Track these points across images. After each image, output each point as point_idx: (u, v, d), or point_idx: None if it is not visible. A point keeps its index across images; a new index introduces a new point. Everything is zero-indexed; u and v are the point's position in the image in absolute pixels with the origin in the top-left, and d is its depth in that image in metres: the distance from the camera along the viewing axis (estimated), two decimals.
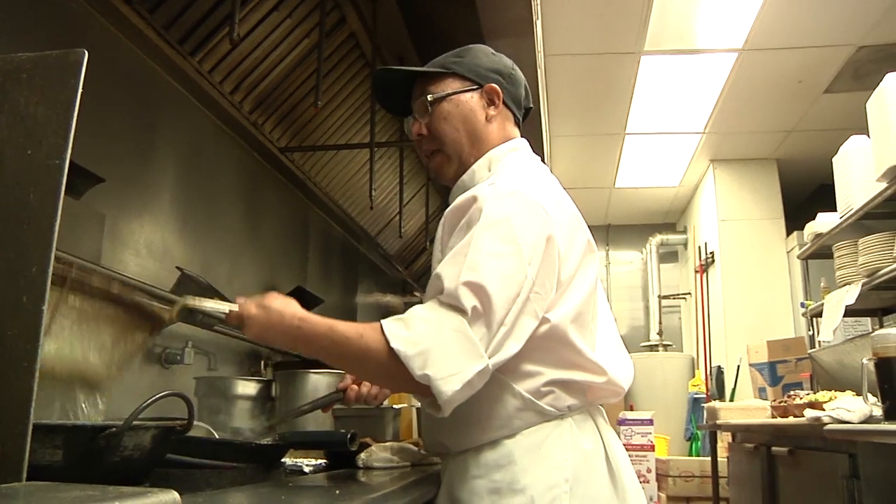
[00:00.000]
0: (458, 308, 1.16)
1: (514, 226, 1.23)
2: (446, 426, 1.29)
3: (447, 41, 3.29)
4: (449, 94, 1.45)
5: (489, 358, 1.15)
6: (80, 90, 0.67)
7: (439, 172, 1.50)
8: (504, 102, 1.47)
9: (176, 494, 0.53)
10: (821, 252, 4.15)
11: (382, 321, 1.18)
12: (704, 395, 6.07)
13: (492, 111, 1.45)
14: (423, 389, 1.14)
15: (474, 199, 1.27)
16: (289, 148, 3.09)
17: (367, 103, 3.29)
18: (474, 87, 1.45)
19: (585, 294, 1.33)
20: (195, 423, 1.06)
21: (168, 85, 2.38)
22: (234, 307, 1.30)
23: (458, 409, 1.19)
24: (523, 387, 1.26)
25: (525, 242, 1.22)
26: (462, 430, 1.29)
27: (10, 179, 0.66)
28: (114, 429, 0.86)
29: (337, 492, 1.08)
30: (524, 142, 1.51)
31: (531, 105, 1.57)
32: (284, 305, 1.27)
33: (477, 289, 1.16)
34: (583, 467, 1.27)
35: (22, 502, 0.50)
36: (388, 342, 1.14)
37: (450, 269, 1.20)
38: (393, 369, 1.14)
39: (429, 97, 1.44)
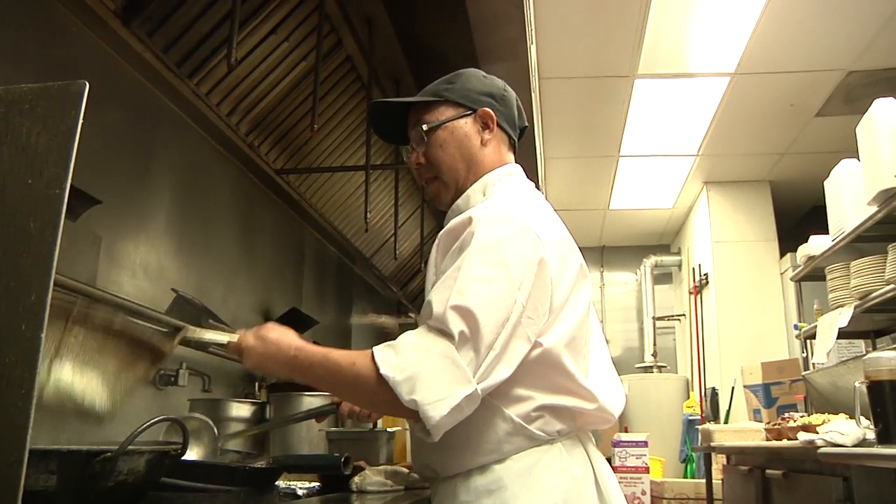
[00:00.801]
0: (445, 333, 1.17)
1: (504, 250, 1.23)
2: (435, 449, 1.28)
3: (442, 64, 3.33)
4: (443, 122, 1.46)
5: (478, 383, 1.15)
6: (80, 121, 0.68)
7: (437, 198, 1.51)
8: (498, 125, 1.48)
9: None
10: (814, 274, 4.17)
11: (374, 348, 1.19)
12: (699, 417, 6.07)
13: (486, 135, 1.46)
14: (413, 414, 1.15)
15: (469, 222, 1.28)
16: (285, 170, 3.10)
17: (363, 126, 3.32)
18: (468, 112, 1.47)
19: (578, 319, 1.32)
20: (189, 445, 1.06)
21: (165, 107, 2.40)
22: (234, 338, 1.34)
23: (448, 432, 1.19)
24: (514, 411, 1.26)
25: (515, 267, 1.22)
26: (451, 453, 1.28)
27: (11, 208, 0.67)
28: (108, 454, 0.86)
29: None
30: (518, 168, 1.51)
31: (526, 124, 1.58)
32: (281, 336, 1.31)
33: (465, 313, 1.17)
34: (573, 493, 1.26)
35: None
36: (377, 369, 1.16)
37: (439, 294, 1.21)
38: (383, 395, 1.15)
39: (423, 126, 1.46)
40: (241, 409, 2.15)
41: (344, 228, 3.90)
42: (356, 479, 1.59)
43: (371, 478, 1.59)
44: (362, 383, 1.19)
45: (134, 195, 2.23)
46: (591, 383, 1.32)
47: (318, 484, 1.73)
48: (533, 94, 3.20)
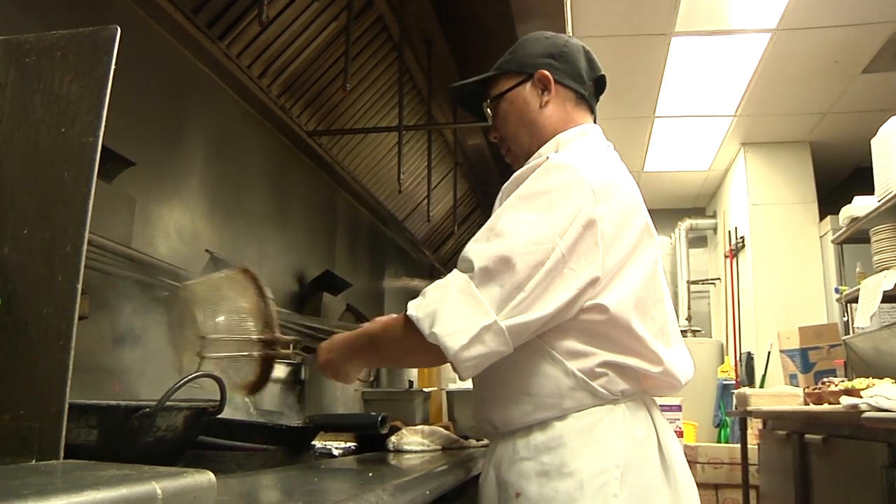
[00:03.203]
0: (467, 269, 1.20)
1: (552, 198, 1.22)
2: (496, 403, 1.29)
3: (476, 24, 3.28)
4: (502, 94, 1.48)
5: (504, 319, 1.16)
6: (112, 66, 0.66)
7: (515, 167, 1.49)
8: (558, 83, 1.46)
9: (211, 475, 0.52)
10: (857, 236, 4.06)
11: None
12: (734, 382, 6.01)
13: (545, 97, 1.46)
14: (440, 353, 1.17)
15: (530, 170, 1.28)
16: (317, 132, 3.08)
17: (395, 86, 3.28)
18: (525, 78, 1.47)
19: (642, 279, 1.30)
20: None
21: (197, 69, 2.38)
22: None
23: (507, 385, 1.23)
24: (576, 365, 1.24)
25: (560, 215, 1.21)
26: (512, 407, 1.28)
27: (45, 158, 0.66)
28: (147, 409, 0.86)
29: (370, 474, 1.07)
30: (595, 128, 1.49)
31: (600, 73, 1.54)
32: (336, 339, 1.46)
33: (496, 251, 1.18)
34: (635, 454, 1.24)
35: (60, 479, 0.49)
36: (405, 312, 1.22)
37: (476, 237, 1.24)
38: (412, 337, 1.20)
39: (488, 101, 1.50)
40: (276, 371, 2.16)
41: (376, 191, 3.89)
42: (393, 438, 1.59)
43: (408, 437, 1.59)
44: (397, 333, 1.27)
45: (167, 157, 2.22)
46: (658, 346, 1.29)
47: (354, 444, 1.74)
48: None
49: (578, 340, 1.25)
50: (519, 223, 1.21)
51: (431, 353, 1.19)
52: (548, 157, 1.28)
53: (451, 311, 1.17)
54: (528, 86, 1.47)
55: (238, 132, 2.67)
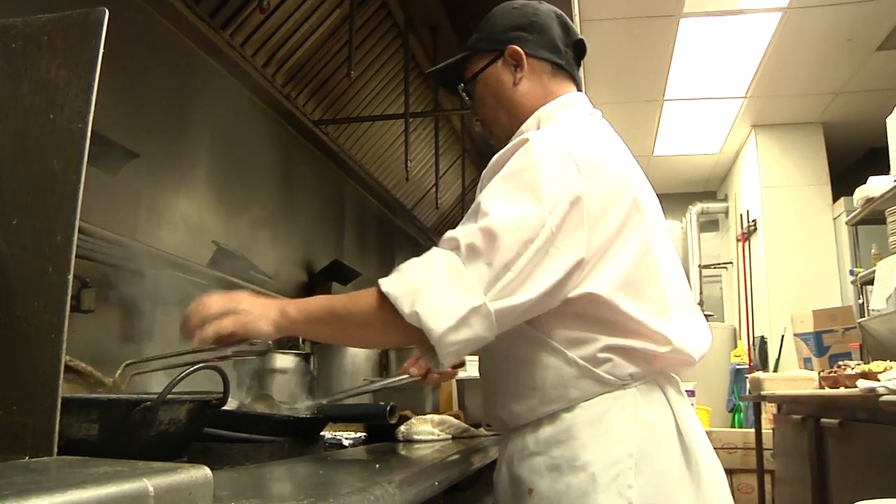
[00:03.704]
0: (453, 248, 1.12)
1: (538, 172, 1.16)
2: (502, 398, 1.24)
3: (481, 9, 3.24)
4: (475, 75, 1.41)
5: (492, 301, 1.08)
6: (101, 50, 0.64)
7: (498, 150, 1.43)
8: (531, 56, 1.38)
9: (207, 470, 0.51)
10: (872, 217, 4.01)
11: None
12: (747, 366, 5.98)
13: (519, 73, 1.38)
14: (418, 335, 1.08)
15: (515, 147, 1.21)
16: (323, 120, 3.06)
17: (401, 73, 3.25)
18: (496, 56, 1.39)
19: (633, 259, 1.21)
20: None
21: (200, 59, 2.36)
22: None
23: (510, 379, 1.17)
24: (577, 353, 1.18)
25: (548, 189, 1.14)
26: (518, 401, 1.23)
27: (33, 146, 0.64)
28: (148, 403, 0.84)
29: (377, 465, 1.05)
30: (578, 96, 1.40)
31: (578, 37, 1.45)
32: (266, 301, 1.22)
33: (482, 229, 1.11)
34: (649, 441, 1.17)
35: (49, 476, 0.47)
36: (378, 287, 1.11)
37: (462, 221, 1.17)
38: (385, 316, 1.10)
39: (461, 87, 1.43)
40: (285, 361, 2.15)
41: (384, 179, 3.86)
42: (402, 428, 1.57)
43: (417, 427, 1.57)
44: (364, 310, 1.13)
45: (172, 149, 2.21)
46: (663, 325, 1.22)
47: (363, 434, 1.72)
48: None
49: (575, 327, 1.19)
50: (504, 201, 1.14)
51: (407, 335, 1.10)
52: (526, 136, 1.22)
53: (436, 289, 1.08)
54: (499, 63, 1.39)
55: (243, 122, 2.65)
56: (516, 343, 1.19)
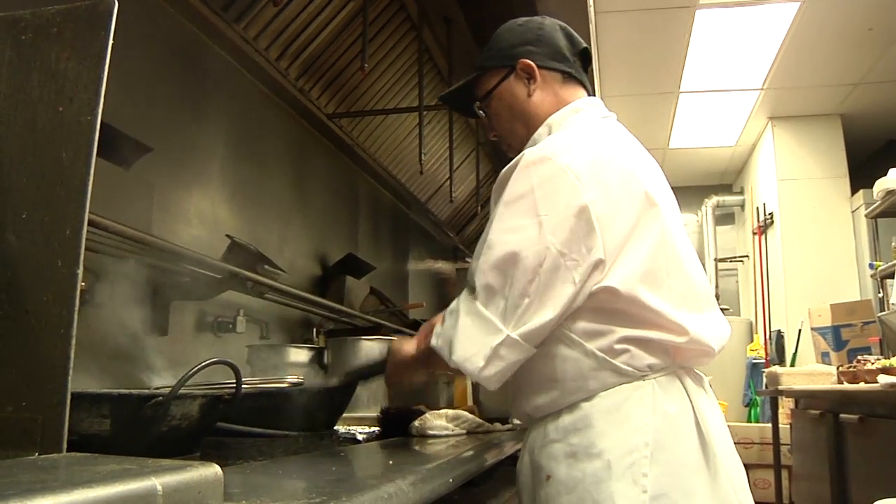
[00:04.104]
0: (473, 290, 1.24)
1: (535, 197, 1.22)
2: (526, 392, 1.30)
3: (496, 1, 3.21)
4: (489, 92, 1.46)
5: (513, 330, 1.18)
6: (110, 42, 0.63)
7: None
8: (542, 67, 1.43)
9: (217, 468, 0.50)
10: (892, 210, 3.97)
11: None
12: (763, 360, 5.93)
13: (532, 85, 1.43)
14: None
15: (512, 169, 1.27)
16: (336, 114, 3.05)
17: (415, 66, 3.23)
18: (508, 71, 1.44)
19: (650, 251, 1.25)
20: None
21: (214, 53, 2.36)
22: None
23: (532, 373, 1.24)
24: (595, 345, 1.22)
25: (547, 212, 1.21)
26: (540, 394, 1.28)
27: (43, 139, 0.63)
28: (160, 397, 0.84)
29: (390, 462, 1.04)
30: (589, 101, 1.44)
31: (583, 46, 1.50)
32: (402, 346, 1.48)
33: (493, 266, 1.21)
34: (666, 432, 1.20)
35: (55, 475, 0.47)
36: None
37: (476, 254, 1.26)
38: (436, 361, 1.29)
39: (476, 105, 1.49)
40: (299, 355, 2.15)
41: (398, 173, 3.85)
42: (416, 422, 1.57)
43: (432, 421, 1.56)
44: (427, 359, 1.36)
45: (185, 143, 2.20)
46: (682, 315, 1.24)
47: (377, 429, 1.72)
48: (591, 27, 3.06)
49: (593, 320, 1.23)
50: (506, 231, 1.23)
51: (462, 374, 1.26)
52: (523, 155, 1.27)
53: (464, 336, 1.22)
54: (512, 78, 1.44)
55: (257, 116, 2.65)
56: None
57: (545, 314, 1.18)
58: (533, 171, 1.24)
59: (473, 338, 1.20)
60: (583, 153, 1.27)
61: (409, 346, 1.45)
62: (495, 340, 1.18)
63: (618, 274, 1.21)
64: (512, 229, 1.22)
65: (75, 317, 0.58)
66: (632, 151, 1.36)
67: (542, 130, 1.40)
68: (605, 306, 1.21)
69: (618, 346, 1.22)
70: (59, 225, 0.60)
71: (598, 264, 1.20)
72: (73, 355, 0.58)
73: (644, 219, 1.26)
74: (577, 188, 1.21)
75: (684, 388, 1.26)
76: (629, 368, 1.22)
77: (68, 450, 0.60)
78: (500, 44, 1.47)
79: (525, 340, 1.18)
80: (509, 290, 1.19)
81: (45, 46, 0.65)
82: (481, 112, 1.50)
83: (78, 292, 0.58)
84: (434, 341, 1.28)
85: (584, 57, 1.50)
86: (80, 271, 0.59)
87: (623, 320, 1.22)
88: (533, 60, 1.42)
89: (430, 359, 1.35)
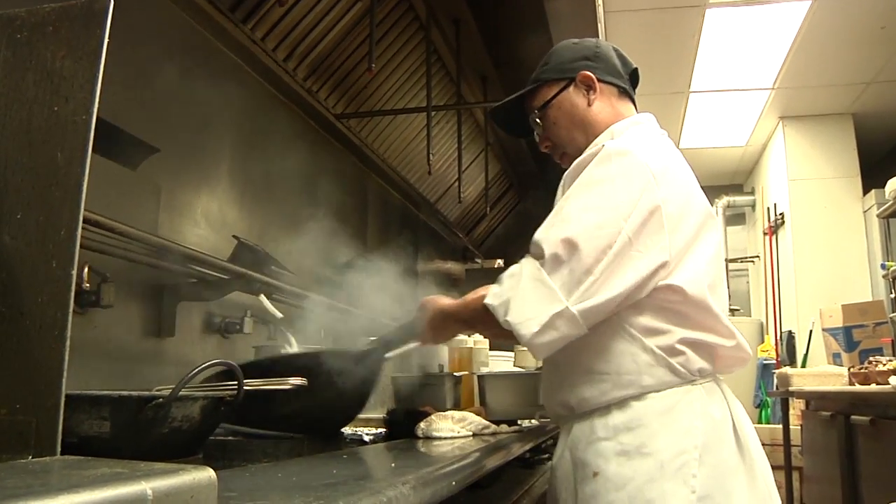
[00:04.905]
0: (538, 257, 1.24)
1: (616, 184, 1.26)
2: (571, 384, 1.31)
3: (503, 1, 3.20)
4: (549, 102, 1.51)
5: (575, 303, 1.19)
6: (106, 40, 0.62)
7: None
8: (600, 81, 1.50)
9: (211, 472, 0.49)
10: None
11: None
12: (774, 361, 5.89)
13: (592, 96, 1.49)
14: (513, 335, 1.24)
15: (590, 157, 1.31)
16: (345, 114, 3.05)
17: (423, 67, 3.23)
18: (567, 83, 1.50)
19: (709, 259, 1.32)
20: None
21: (221, 53, 2.36)
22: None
23: (582, 365, 1.27)
24: (655, 342, 1.26)
25: (624, 199, 1.24)
26: (589, 386, 1.30)
27: (38, 139, 0.63)
28: (160, 399, 0.83)
29: (393, 464, 1.04)
30: (647, 116, 1.52)
31: (633, 66, 1.59)
32: (435, 307, 1.49)
33: (563, 238, 1.22)
34: (712, 435, 1.25)
35: (44, 479, 0.46)
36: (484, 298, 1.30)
37: (545, 224, 1.28)
38: (493, 320, 1.26)
39: (534, 113, 1.53)
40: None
41: (407, 173, 3.85)
42: (422, 424, 1.56)
43: (437, 423, 1.55)
44: (483, 315, 1.31)
45: (193, 144, 2.20)
46: (729, 321, 1.32)
47: (383, 430, 1.71)
48: (599, 26, 3.04)
49: (655, 318, 1.27)
50: (584, 209, 1.25)
51: (509, 336, 1.26)
52: (604, 145, 1.32)
53: (523, 299, 1.22)
54: (571, 89, 1.50)
55: (264, 116, 2.65)
56: (592, 330, 1.25)
57: (605, 293, 1.20)
58: (615, 161, 1.28)
59: (533, 302, 1.21)
60: (659, 156, 1.33)
61: (445, 300, 1.48)
62: (554, 309, 1.19)
63: (684, 275, 1.26)
64: (588, 208, 1.25)
65: (70, 318, 0.58)
66: (689, 168, 1.43)
67: (604, 136, 1.46)
68: (670, 306, 1.26)
69: (678, 346, 1.27)
70: (54, 226, 0.60)
71: (664, 265, 1.24)
72: (67, 357, 0.57)
73: (705, 229, 1.33)
74: (653, 185, 1.26)
75: (723, 394, 1.33)
76: (683, 370, 1.27)
77: (67, 452, 0.59)
78: (558, 59, 1.54)
79: (582, 317, 1.20)
80: (576, 264, 1.20)
81: (40, 45, 0.65)
82: (537, 122, 1.54)
83: (72, 294, 0.58)
84: (489, 300, 1.28)
85: (634, 77, 1.58)
86: (75, 273, 0.58)
87: (684, 321, 1.27)
88: (593, 73, 1.49)
89: (476, 317, 1.36)
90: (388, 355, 1.56)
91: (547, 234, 1.25)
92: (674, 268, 1.26)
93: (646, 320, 1.27)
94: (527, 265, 1.26)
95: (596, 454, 1.27)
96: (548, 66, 1.55)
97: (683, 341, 1.27)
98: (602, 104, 1.49)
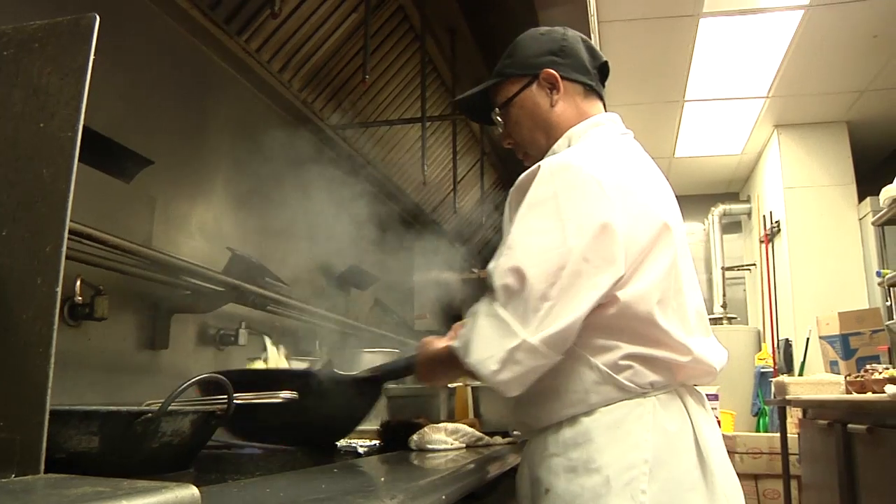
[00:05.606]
0: (493, 291, 1.20)
1: (559, 202, 1.21)
2: (526, 402, 1.28)
3: (499, 10, 3.21)
4: (510, 99, 1.45)
5: (533, 335, 1.14)
6: (91, 57, 0.63)
7: None
8: (564, 78, 1.43)
9: (195, 490, 0.49)
10: None
11: None
12: (772, 369, 5.89)
13: (555, 95, 1.43)
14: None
15: (533, 175, 1.26)
16: (340, 125, 3.05)
17: (418, 78, 3.23)
18: (531, 80, 1.44)
19: (663, 271, 1.25)
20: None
21: (216, 65, 2.36)
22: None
23: (537, 383, 1.20)
24: (600, 360, 1.22)
25: (570, 216, 1.19)
26: (540, 405, 1.27)
27: (24, 155, 0.63)
28: (149, 414, 0.83)
29: (382, 479, 1.03)
30: (609, 116, 1.46)
31: (603, 59, 1.51)
32: (427, 348, 1.46)
33: (510, 267, 1.18)
34: (665, 449, 1.20)
35: (22, 499, 0.46)
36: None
37: (496, 256, 1.23)
38: (458, 363, 1.22)
39: (496, 110, 1.48)
40: (301, 367, 2.14)
41: (402, 184, 3.85)
42: (415, 436, 1.55)
43: (430, 435, 1.55)
44: (449, 359, 1.28)
45: (188, 155, 2.21)
46: (684, 336, 1.25)
47: (378, 442, 1.70)
48: (593, 37, 3.05)
49: (600, 335, 1.22)
50: (527, 233, 1.21)
51: (472, 375, 1.23)
52: (550, 159, 1.27)
53: (479, 337, 1.19)
54: (534, 86, 1.44)
55: (259, 128, 2.65)
56: None
57: (568, 317, 1.15)
58: (558, 177, 1.23)
59: (489, 340, 1.17)
60: (608, 166, 1.27)
61: (437, 343, 1.44)
62: (511, 344, 1.14)
63: (630, 291, 1.21)
64: (534, 231, 1.20)
65: (55, 335, 0.58)
66: (649, 171, 1.37)
67: (561, 142, 1.41)
68: (614, 322, 1.21)
69: (622, 362, 1.22)
70: (39, 242, 0.60)
71: (619, 279, 1.19)
72: (52, 374, 0.57)
73: (660, 241, 1.27)
74: (602, 199, 1.21)
75: (685, 406, 1.26)
76: (631, 385, 1.22)
77: (55, 468, 0.59)
78: (523, 52, 1.47)
79: (546, 345, 1.15)
80: (529, 293, 1.15)
81: (26, 61, 0.65)
82: (498, 119, 1.49)
83: (57, 310, 0.58)
84: (455, 342, 1.26)
85: (603, 71, 1.51)
86: (60, 289, 0.58)
87: (630, 337, 1.22)
88: (557, 71, 1.43)
89: (454, 360, 1.30)
90: (386, 385, 1.57)
91: (496, 266, 1.21)
92: (624, 284, 1.21)
93: (591, 338, 1.22)
94: (483, 301, 1.23)
95: (548, 470, 1.24)
96: (512, 60, 1.48)
97: (630, 357, 1.22)
98: (565, 105, 1.43)
